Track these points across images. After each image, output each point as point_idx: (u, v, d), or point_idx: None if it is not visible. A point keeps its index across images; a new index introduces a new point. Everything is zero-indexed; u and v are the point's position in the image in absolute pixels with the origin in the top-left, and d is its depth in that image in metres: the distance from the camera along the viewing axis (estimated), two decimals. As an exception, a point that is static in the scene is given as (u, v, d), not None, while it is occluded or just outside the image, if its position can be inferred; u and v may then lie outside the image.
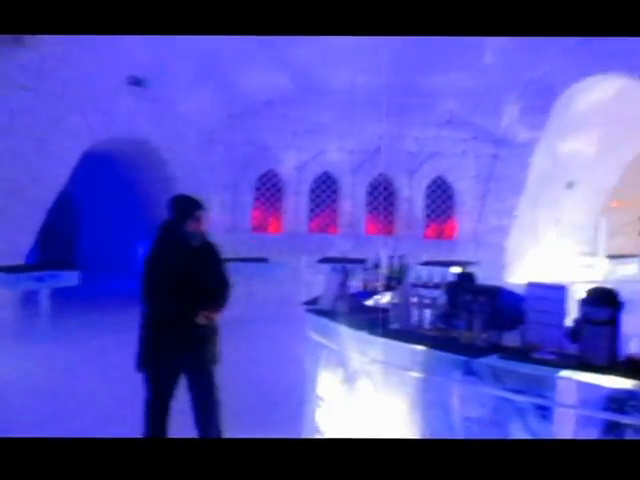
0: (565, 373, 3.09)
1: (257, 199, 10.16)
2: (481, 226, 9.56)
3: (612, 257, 11.04)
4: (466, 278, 3.73)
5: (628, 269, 10.85)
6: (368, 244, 9.15)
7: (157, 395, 3.82)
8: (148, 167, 9.58)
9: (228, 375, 4.09)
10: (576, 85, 8.88)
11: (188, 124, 9.27)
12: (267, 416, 4.86)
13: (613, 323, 3.05)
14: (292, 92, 9.57)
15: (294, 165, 9.96)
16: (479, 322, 3.32)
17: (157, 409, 3.83)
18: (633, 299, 5.11)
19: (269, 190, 10.18)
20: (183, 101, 9.06)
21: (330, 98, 9.54)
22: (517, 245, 9.59)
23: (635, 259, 10.73)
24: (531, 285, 3.27)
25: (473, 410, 3.34)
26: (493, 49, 8.54)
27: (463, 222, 9.65)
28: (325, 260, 8.35)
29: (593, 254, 10.88)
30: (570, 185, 10.41)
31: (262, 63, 9.22)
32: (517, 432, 3.41)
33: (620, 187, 11.04)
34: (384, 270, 4.77)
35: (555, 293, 3.19)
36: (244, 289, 6.09)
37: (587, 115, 9.33)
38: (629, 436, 3.09)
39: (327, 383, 4.26)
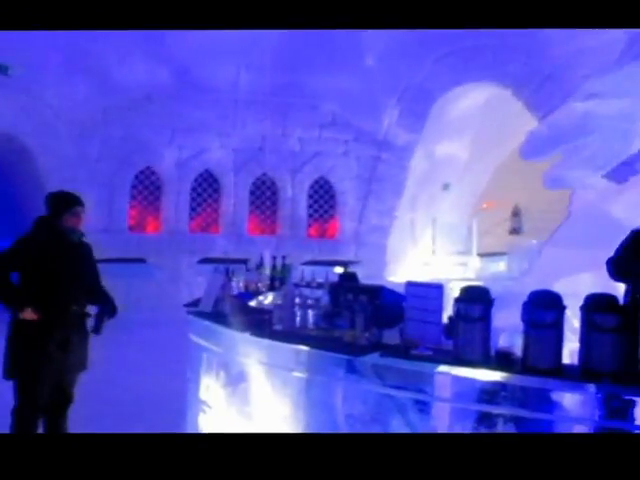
0: (442, 368, 3.20)
1: (134, 197, 9.78)
2: (362, 226, 9.79)
3: (483, 255, 11.67)
4: (348, 278, 3.79)
5: (498, 266, 11.51)
6: (251, 244, 9.09)
7: (27, 402, 3.57)
8: (14, 160, 8.95)
9: (106, 381, 3.90)
10: (451, 92, 9.32)
11: (58, 116, 8.76)
12: (147, 422, 4.68)
13: (485, 319, 3.20)
14: (173, 88, 9.31)
15: (174, 163, 9.70)
16: (361, 321, 3.38)
17: (28, 417, 3.58)
18: (502, 295, 5.42)
19: (147, 188, 9.84)
20: (53, 92, 8.54)
21: (212, 95, 9.38)
22: (397, 245, 9.92)
23: (504, 257, 11.36)
24: (410, 284, 3.37)
25: (356, 408, 3.39)
26: (374, 53, 8.77)
27: (345, 222, 9.84)
28: (206, 260, 8.20)
29: (466, 253, 11.45)
30: (446, 187, 10.90)
31: (141, 56, 8.89)
32: (397, 427, 3.49)
33: (490, 189, 11.69)
34: (267, 270, 4.74)
35: (432, 292, 3.30)
36: (121, 291, 5.82)
37: (461, 120, 9.81)
38: (500, 426, 3.25)
39: (209, 387, 4.18)
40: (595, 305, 3.08)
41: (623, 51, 6.45)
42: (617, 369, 3.00)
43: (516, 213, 12.78)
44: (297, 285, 3.91)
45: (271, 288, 4.54)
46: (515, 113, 8.95)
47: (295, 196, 9.80)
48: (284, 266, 4.70)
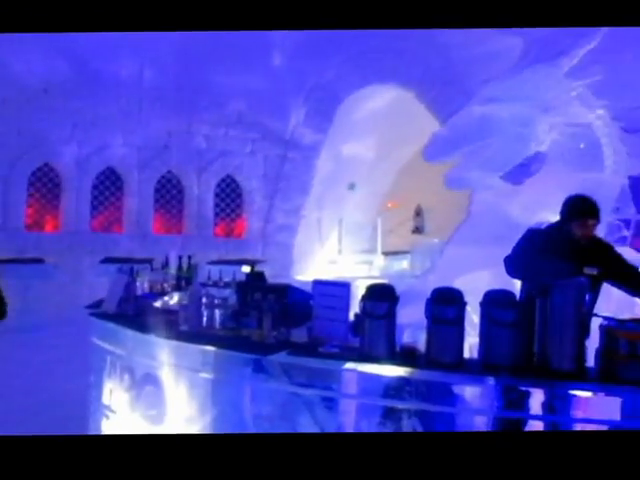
0: (349, 365, 3.25)
1: (31, 195, 9.28)
2: (269, 225, 9.76)
3: (387, 254, 11.93)
4: (256, 277, 3.78)
5: (401, 264, 11.81)
6: (156, 243, 8.85)
7: None
8: None
9: (3, 384, 3.69)
10: (357, 93, 9.46)
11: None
12: (46, 429, 4.44)
13: (390, 316, 3.27)
14: (73, 81, 8.89)
15: (74, 159, 9.27)
16: (269, 320, 3.38)
17: None
18: (406, 292, 5.57)
19: (45, 185, 9.35)
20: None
21: (115, 90, 9.04)
22: (304, 243, 9.97)
23: (407, 255, 11.66)
24: (317, 282, 3.40)
25: (264, 407, 3.38)
26: (281, 52, 8.77)
27: (252, 221, 9.78)
28: (109, 260, 7.92)
29: (371, 251, 11.66)
30: (351, 187, 11.06)
31: (39, 47, 8.43)
32: (305, 425, 3.50)
33: (395, 189, 11.97)
34: (173, 270, 4.64)
35: (339, 290, 3.34)
36: (18, 293, 5.52)
37: (367, 121, 9.98)
38: (405, 420, 3.34)
39: (113, 391, 4.05)
40: (493, 301, 3.23)
41: (519, 57, 6.79)
42: (514, 362, 3.16)
43: (419, 213, 13.17)
44: (204, 285, 3.86)
45: (177, 288, 4.46)
46: (418, 115, 9.22)
47: (201, 195, 9.64)
48: (190, 266, 4.61)
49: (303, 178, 9.77)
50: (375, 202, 11.91)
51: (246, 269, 3.78)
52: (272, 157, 9.71)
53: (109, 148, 9.35)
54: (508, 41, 6.87)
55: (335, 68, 9.13)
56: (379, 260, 11.72)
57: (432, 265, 6.69)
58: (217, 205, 9.84)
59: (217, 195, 9.82)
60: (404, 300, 4.24)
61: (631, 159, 6.10)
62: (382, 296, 3.26)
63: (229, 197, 9.89)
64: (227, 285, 3.67)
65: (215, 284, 3.71)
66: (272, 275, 6.87)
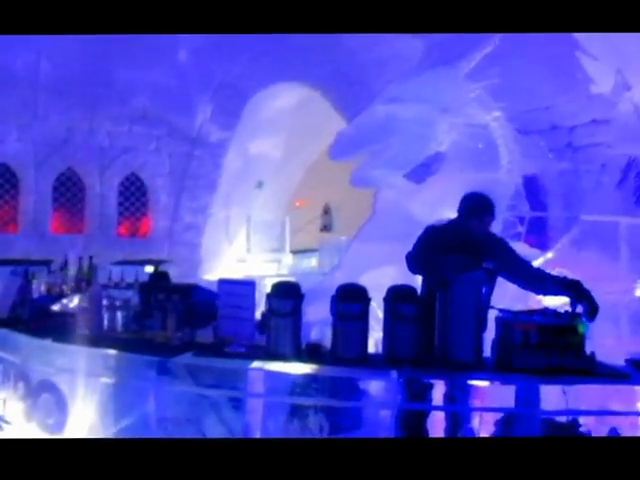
0: (255, 364, 3.23)
1: None
2: (176, 224, 9.53)
3: (296, 252, 11.98)
4: (160, 277, 3.68)
5: (310, 262, 11.89)
6: (55, 243, 8.43)
7: None
8: None
9: None
10: (264, 90, 9.41)
11: None
12: None
13: (296, 314, 3.29)
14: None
15: (-37, 156, 8.70)
16: (173, 321, 3.30)
17: None
18: (313, 290, 5.61)
19: None
20: None
21: (9, 82, 8.54)
22: (211, 243, 9.81)
23: (315, 253, 11.75)
24: (222, 281, 3.36)
25: (169, 410, 3.31)
26: (187, 48, 8.57)
27: (158, 220, 9.51)
28: (2, 262, 7.46)
29: (280, 250, 11.66)
30: (259, 185, 11.00)
31: None
32: (212, 426, 3.46)
33: (303, 188, 12.03)
34: (72, 271, 4.45)
35: (244, 289, 3.32)
36: None
37: (274, 119, 9.95)
38: (312, 417, 3.36)
39: (7, 400, 3.84)
40: (396, 296, 3.31)
41: (421, 59, 6.99)
42: (416, 355, 3.25)
43: (327, 211, 13.32)
44: (105, 286, 3.72)
45: (77, 290, 4.27)
46: (325, 114, 9.29)
47: (104, 193, 9.27)
48: (91, 266, 4.44)
49: (210, 176, 9.61)
50: (283, 200, 11.91)
51: (149, 269, 3.67)
52: (178, 154, 9.48)
53: (2, 143, 8.82)
54: (411, 43, 7.05)
55: (242, 65, 9.03)
56: (288, 258, 11.74)
57: (339, 262, 6.77)
58: (121, 204, 9.49)
59: (121, 193, 9.47)
60: (311, 298, 4.27)
61: (525, 159, 6.42)
62: (287, 294, 3.27)
63: (133, 195, 9.57)
64: (129, 286, 3.55)
65: (117, 285, 3.58)
66: (179, 275, 6.71)
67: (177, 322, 3.26)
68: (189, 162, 9.50)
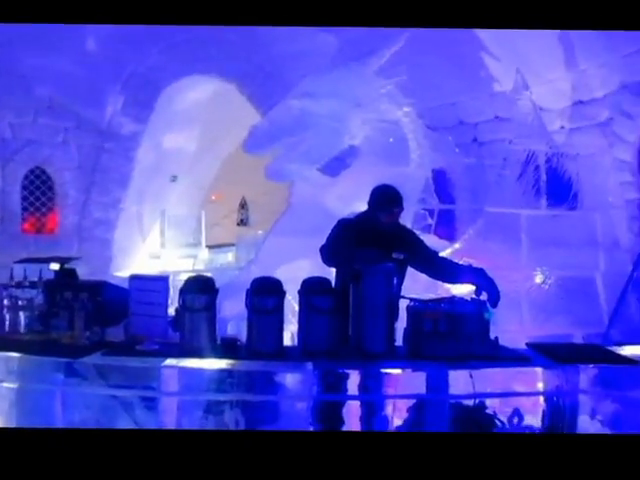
0: (169, 362, 3.17)
1: None
2: (85, 220, 9.18)
3: (212, 247, 11.83)
4: (66, 275, 3.53)
5: (227, 257, 11.77)
6: (-49, 241, 7.96)
7: None
8: None
9: None
10: (178, 83, 9.20)
11: None
12: None
13: (210, 309, 3.25)
14: None
15: None
16: (81, 320, 3.19)
17: None
18: (229, 284, 5.57)
19: None
20: None
21: None
22: (124, 238, 9.52)
23: (232, 248, 11.64)
24: (133, 277, 3.27)
25: (77, 413, 3.19)
26: (96, 35, 8.23)
27: (66, 215, 9.11)
28: None
29: (196, 245, 11.47)
30: (174, 179, 10.77)
31: None
32: (125, 427, 3.36)
33: (219, 182, 11.88)
34: (-30, 271, 4.18)
35: (157, 284, 3.25)
36: None
37: (188, 112, 9.75)
38: (228, 411, 3.33)
39: None
40: (311, 288, 3.33)
41: (334, 55, 7.06)
42: (331, 347, 3.30)
43: (243, 205, 13.24)
44: (6, 286, 3.52)
45: (-25, 291, 4.02)
46: (240, 108, 9.21)
47: (6, 187, 8.78)
48: (-10, 265, 4.19)
49: (122, 170, 9.29)
50: (199, 194, 11.73)
51: (55, 267, 3.52)
52: (87, 147, 9.10)
53: None
54: (324, 38, 7.11)
55: (154, 56, 8.77)
56: (204, 253, 11.57)
57: (255, 257, 6.75)
58: (25, 199, 9.03)
59: (25, 188, 9.01)
60: (227, 293, 4.23)
61: (434, 154, 6.62)
62: (201, 289, 3.22)
63: (39, 190, 9.12)
64: (33, 285, 3.39)
65: (19, 285, 3.40)
66: (90, 273, 6.45)
67: (85, 321, 3.15)
68: (99, 155, 9.15)
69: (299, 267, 4.82)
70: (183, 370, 3.18)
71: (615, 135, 6.44)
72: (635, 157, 6.41)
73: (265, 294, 3.24)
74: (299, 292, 3.37)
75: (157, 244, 10.75)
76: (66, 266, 3.59)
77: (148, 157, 9.62)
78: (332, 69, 5.95)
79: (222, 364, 3.23)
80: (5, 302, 3.29)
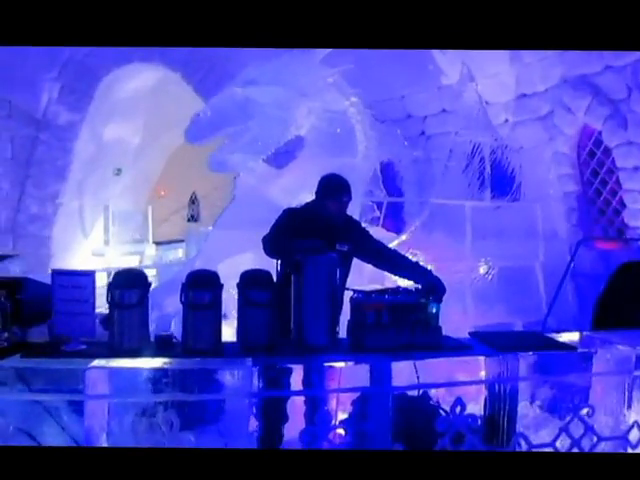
0: (97, 362, 2.98)
1: None
2: (21, 215, 8.77)
3: (160, 243, 11.54)
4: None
5: (176, 253, 11.49)
6: None
7: None
8: None
9: None
10: (118, 70, 8.84)
11: None
12: None
13: (141, 304, 3.06)
14: None
15: None
16: (-1, 319, 2.96)
17: None
18: (172, 280, 5.36)
19: None
20: None
21: None
22: (63, 234, 9.13)
23: (182, 244, 11.38)
24: (56, 273, 3.05)
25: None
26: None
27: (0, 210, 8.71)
28: None
29: (143, 241, 11.16)
30: (118, 172, 10.41)
31: None
32: (53, 435, 3.17)
33: (167, 176, 11.58)
34: None
35: (82, 280, 3.04)
36: None
37: (130, 102, 9.40)
38: (161, 413, 3.15)
39: None
40: (249, 281, 3.18)
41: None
42: (271, 341, 3.16)
43: (193, 200, 12.97)
44: None
45: None
46: (186, 98, 8.92)
47: None
48: None
49: (58, 162, 8.89)
50: (144, 189, 11.41)
51: (-29, 263, 3.26)
52: (21, 138, 8.68)
53: None
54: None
55: (92, 42, 8.41)
56: (151, 250, 11.28)
57: (199, 251, 6.55)
58: (-46, 193, 8.59)
59: (-47, 181, 8.57)
60: (170, 288, 4.03)
61: (381, 146, 6.55)
62: (132, 283, 3.03)
63: (-31, 184, 8.69)
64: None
65: None
66: (27, 271, 6.15)
67: (3, 321, 2.92)
68: (34, 146, 8.74)
69: (243, 260, 4.67)
70: (113, 371, 2.99)
71: (556, 128, 6.51)
72: (574, 150, 6.50)
73: (200, 288, 3.08)
74: (237, 285, 3.22)
75: (100, 241, 10.39)
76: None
77: (88, 149, 9.25)
78: (276, 56, 5.78)
79: (156, 363, 3.05)
80: None
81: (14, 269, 6.64)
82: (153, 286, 5.80)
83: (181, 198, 12.89)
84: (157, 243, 11.57)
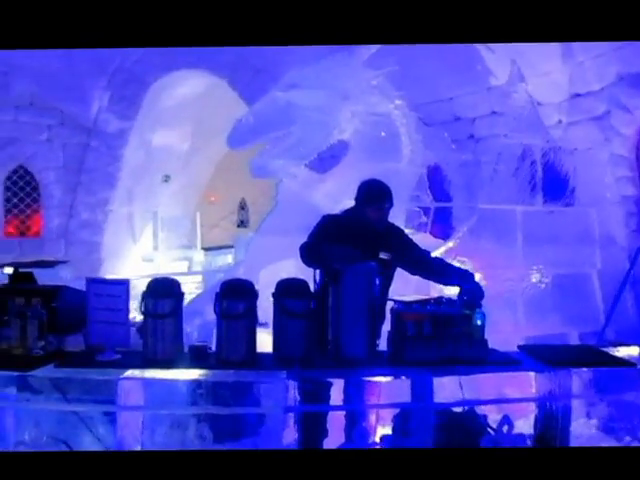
0: (130, 373, 2.93)
1: None
2: (72, 221, 8.93)
3: (210, 249, 11.60)
4: (21, 279, 3.30)
5: (226, 259, 11.52)
6: None
7: None
8: None
9: None
10: (166, 78, 8.94)
11: None
12: None
13: (175, 314, 3.00)
14: None
15: None
16: (34, 329, 2.94)
17: None
18: (214, 288, 5.28)
19: None
20: None
21: None
22: (113, 240, 9.28)
23: (231, 250, 11.40)
24: (91, 281, 3.02)
25: (30, 431, 2.95)
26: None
27: (51, 217, 8.86)
28: None
29: (191, 247, 11.25)
30: (166, 179, 10.53)
31: None
32: (88, 444, 3.14)
33: (216, 182, 11.65)
34: None
35: (116, 289, 3.00)
36: None
37: (179, 109, 9.49)
38: (195, 424, 3.08)
39: None
40: (284, 291, 3.09)
41: (323, 47, 6.77)
42: (308, 353, 3.05)
43: (243, 206, 13.03)
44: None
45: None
46: (232, 104, 8.94)
47: (-13, 189, 8.58)
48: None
49: (108, 169, 9.03)
50: (193, 195, 11.50)
51: (8, 270, 3.27)
52: (72, 146, 8.85)
53: None
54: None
55: (139, 50, 8.50)
56: (199, 256, 11.35)
57: (244, 258, 6.49)
58: (8, 200, 8.78)
59: (8, 189, 8.77)
60: (212, 296, 3.96)
61: (427, 150, 6.36)
62: (165, 293, 2.98)
63: (22, 191, 8.88)
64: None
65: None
66: (78, 277, 6.22)
67: (39, 330, 2.90)
68: (85, 154, 8.90)
69: (283, 268, 4.57)
70: (147, 382, 2.93)
71: (612, 129, 6.19)
72: (632, 152, 6.17)
73: (234, 297, 3.00)
74: (273, 295, 3.12)
75: (150, 247, 10.52)
76: (21, 270, 3.34)
77: (137, 156, 9.37)
78: (318, 60, 5.68)
79: (189, 374, 2.98)
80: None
81: (65, 275, 6.74)
82: (198, 293, 5.78)
83: (230, 204, 12.96)
84: (206, 249, 11.63)
